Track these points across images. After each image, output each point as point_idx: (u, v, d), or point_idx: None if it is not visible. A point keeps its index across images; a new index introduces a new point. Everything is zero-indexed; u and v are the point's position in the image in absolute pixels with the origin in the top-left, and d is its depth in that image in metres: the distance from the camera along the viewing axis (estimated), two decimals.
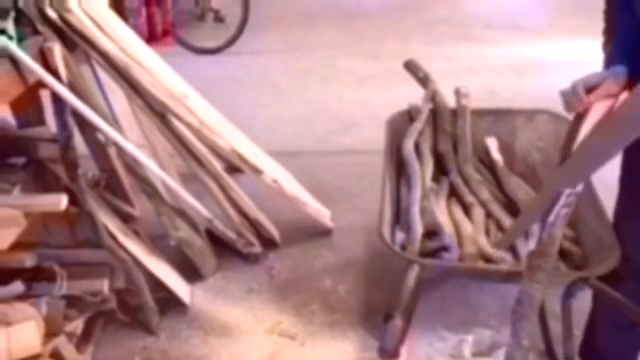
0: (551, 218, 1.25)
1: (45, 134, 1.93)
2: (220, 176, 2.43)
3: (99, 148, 2.24)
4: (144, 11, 5.48)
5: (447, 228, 1.92)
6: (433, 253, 1.85)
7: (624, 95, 1.48)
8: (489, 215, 2.05)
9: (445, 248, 1.85)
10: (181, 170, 2.48)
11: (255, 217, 2.52)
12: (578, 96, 1.55)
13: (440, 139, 2.35)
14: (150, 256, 2.15)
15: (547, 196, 1.36)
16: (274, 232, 2.57)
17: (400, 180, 2.21)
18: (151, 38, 5.38)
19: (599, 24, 1.74)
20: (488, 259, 1.82)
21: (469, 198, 2.12)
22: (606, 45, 1.68)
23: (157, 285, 2.14)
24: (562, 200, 1.24)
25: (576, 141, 1.60)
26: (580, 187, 1.35)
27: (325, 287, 2.35)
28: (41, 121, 1.99)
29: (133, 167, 2.20)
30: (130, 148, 2.09)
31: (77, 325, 1.92)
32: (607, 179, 1.67)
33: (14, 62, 1.75)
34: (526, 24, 5.92)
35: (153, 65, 2.31)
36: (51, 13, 1.99)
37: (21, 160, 1.94)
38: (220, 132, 2.38)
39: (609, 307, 1.63)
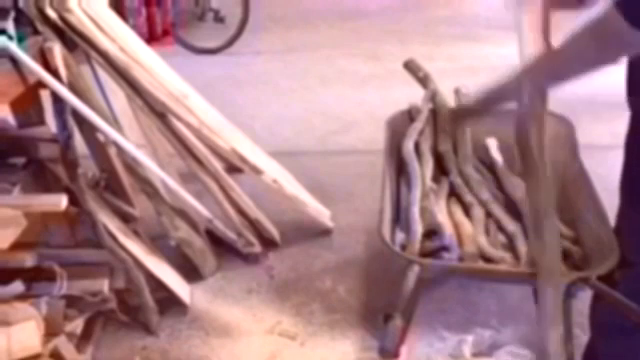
0: None
1: (45, 134, 1.92)
2: (220, 176, 2.43)
3: (99, 148, 2.24)
4: (144, 11, 5.50)
5: (447, 228, 1.92)
6: (433, 253, 1.85)
7: None
8: (489, 215, 2.05)
9: (445, 248, 1.85)
10: (181, 170, 2.48)
11: (255, 217, 2.52)
12: None
13: (440, 139, 2.35)
14: (150, 256, 2.15)
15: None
16: (274, 232, 2.57)
17: (400, 180, 2.21)
18: (151, 38, 5.39)
19: None
20: (488, 259, 1.82)
21: (469, 198, 2.12)
22: None
23: (157, 285, 2.14)
24: None
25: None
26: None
27: (325, 287, 2.35)
28: (41, 121, 1.99)
29: (133, 167, 2.20)
30: (130, 148, 2.09)
31: (77, 325, 1.91)
32: (607, 179, 1.67)
33: (14, 62, 1.75)
34: None
35: (153, 65, 2.31)
36: (51, 13, 1.98)
37: (21, 160, 1.94)
38: (220, 132, 2.38)
39: (608, 310, 1.62)
